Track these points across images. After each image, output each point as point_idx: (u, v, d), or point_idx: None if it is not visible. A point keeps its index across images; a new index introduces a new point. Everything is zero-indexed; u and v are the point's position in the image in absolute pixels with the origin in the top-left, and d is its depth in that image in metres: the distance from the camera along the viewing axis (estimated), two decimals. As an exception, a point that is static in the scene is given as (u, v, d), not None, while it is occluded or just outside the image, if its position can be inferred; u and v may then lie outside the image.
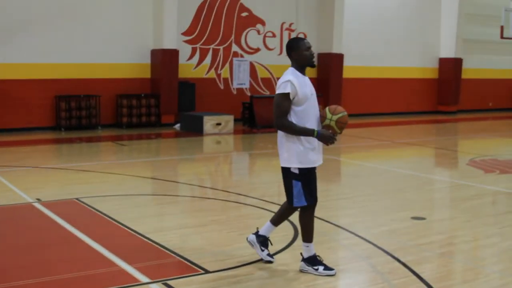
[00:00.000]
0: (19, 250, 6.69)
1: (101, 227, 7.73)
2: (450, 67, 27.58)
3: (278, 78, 22.69)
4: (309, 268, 5.96)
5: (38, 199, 9.09)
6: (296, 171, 5.89)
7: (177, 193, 10.34)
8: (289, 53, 5.95)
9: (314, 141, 5.87)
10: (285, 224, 7.76)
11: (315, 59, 6.02)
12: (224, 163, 14.52)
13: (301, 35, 23.64)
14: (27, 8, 18.03)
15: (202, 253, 6.58)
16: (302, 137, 5.81)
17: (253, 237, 6.33)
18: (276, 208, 8.61)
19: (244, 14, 22.31)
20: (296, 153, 5.86)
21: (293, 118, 5.80)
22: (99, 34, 19.20)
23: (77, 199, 9.13)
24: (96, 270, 5.99)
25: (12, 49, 17.96)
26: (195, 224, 7.99)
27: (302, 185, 5.87)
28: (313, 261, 6.00)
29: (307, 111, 5.84)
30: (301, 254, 6.10)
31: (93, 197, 9.27)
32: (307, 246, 6.04)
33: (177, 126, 19.77)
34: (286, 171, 5.97)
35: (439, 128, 23.15)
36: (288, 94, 5.72)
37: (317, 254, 6.10)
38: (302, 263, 6.03)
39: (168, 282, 5.65)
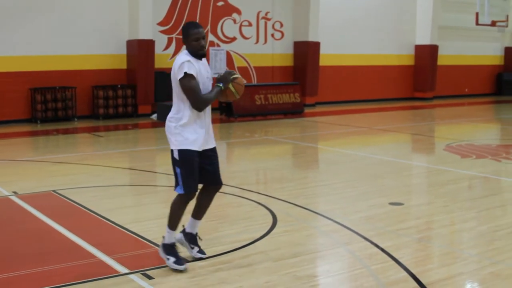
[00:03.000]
0: (-4, 243, 6.64)
1: (79, 219, 7.68)
2: (426, 54, 27.71)
3: (255, 67, 22.89)
4: (163, 255, 5.79)
5: (15, 192, 9.02)
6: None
7: (155, 183, 10.32)
8: (182, 38, 5.76)
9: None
10: (263, 211, 7.79)
11: (205, 50, 5.68)
12: (202, 153, 14.46)
13: (277, 24, 23.64)
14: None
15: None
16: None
17: (180, 236, 6.12)
18: (255, 196, 8.63)
19: (220, 3, 22.24)
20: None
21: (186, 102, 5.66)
22: (74, 26, 19.03)
23: (54, 191, 9.07)
24: (75, 262, 5.95)
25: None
26: (173, 213, 7.96)
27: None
28: (168, 249, 5.81)
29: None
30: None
31: (70, 189, 9.21)
32: (168, 232, 5.84)
33: (154, 116, 19.70)
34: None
35: (416, 114, 23.26)
36: (191, 74, 5.53)
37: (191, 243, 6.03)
38: (160, 249, 5.86)
39: (147, 272, 5.65)
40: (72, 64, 19.07)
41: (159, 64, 20.46)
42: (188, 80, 5.51)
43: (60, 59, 18.87)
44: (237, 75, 5.81)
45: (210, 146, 5.85)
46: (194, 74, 5.54)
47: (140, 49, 19.64)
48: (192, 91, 5.53)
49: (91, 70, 19.46)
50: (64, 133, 16.61)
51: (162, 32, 20.92)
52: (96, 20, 19.44)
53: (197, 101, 5.57)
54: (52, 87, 18.52)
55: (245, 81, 5.84)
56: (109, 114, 19.42)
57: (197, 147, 5.68)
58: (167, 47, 21.08)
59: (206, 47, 5.66)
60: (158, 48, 20.55)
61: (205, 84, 5.68)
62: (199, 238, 6.15)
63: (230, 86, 5.74)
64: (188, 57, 5.58)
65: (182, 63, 5.53)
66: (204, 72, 5.67)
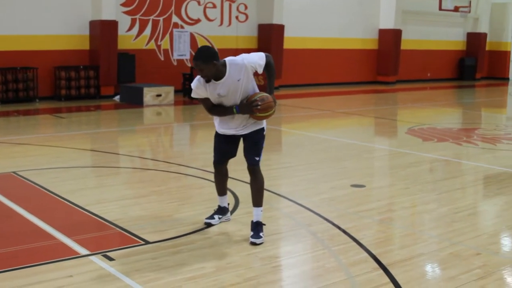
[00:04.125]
0: (-46, 224, 6.54)
1: (39, 200, 7.60)
2: (390, 38, 27.85)
3: (219, 49, 22.70)
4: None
5: (-26, 173, 8.90)
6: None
7: (118, 164, 10.24)
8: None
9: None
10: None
11: (209, 77, 5.83)
12: (165, 134, 14.43)
13: (242, 7, 23.56)
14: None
15: (142, 224, 6.54)
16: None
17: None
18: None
19: (184, -16, 22.09)
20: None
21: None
22: (36, 5, 18.70)
23: (14, 172, 8.94)
24: (35, 244, 5.89)
25: None
26: (135, 195, 7.92)
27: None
28: (220, 211, 6.65)
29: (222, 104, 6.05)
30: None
31: (31, 170, 9.09)
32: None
33: (117, 97, 19.53)
34: None
35: (379, 98, 23.41)
36: (199, 99, 6.10)
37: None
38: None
39: (108, 253, 5.60)
40: (34, 44, 18.77)
41: (122, 45, 20.26)
42: (200, 101, 6.17)
43: (22, 39, 18.56)
44: (259, 104, 5.86)
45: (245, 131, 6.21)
46: (196, 96, 6.10)
47: (103, 30, 19.41)
48: (204, 105, 6.16)
49: (53, 50, 19.18)
50: (25, 114, 16.39)
51: (126, 13, 20.70)
52: (59, 0, 19.14)
53: (208, 113, 6.21)
54: (13, 67, 18.23)
55: (270, 99, 5.96)
56: (71, 95, 19.18)
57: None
58: (130, 28, 20.88)
59: (211, 75, 5.81)
60: (122, 29, 20.35)
61: (221, 99, 5.99)
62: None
63: (258, 114, 5.96)
64: (193, 85, 6.03)
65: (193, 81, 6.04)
66: (215, 91, 5.92)
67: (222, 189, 6.62)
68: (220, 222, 6.58)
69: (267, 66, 5.96)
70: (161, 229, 6.35)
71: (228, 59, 5.87)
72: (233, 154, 6.40)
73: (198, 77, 5.93)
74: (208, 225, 6.44)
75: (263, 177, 6.27)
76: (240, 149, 6.29)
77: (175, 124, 16.22)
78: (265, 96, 5.92)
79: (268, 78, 6.12)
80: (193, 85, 6.00)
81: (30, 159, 10.13)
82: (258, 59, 5.89)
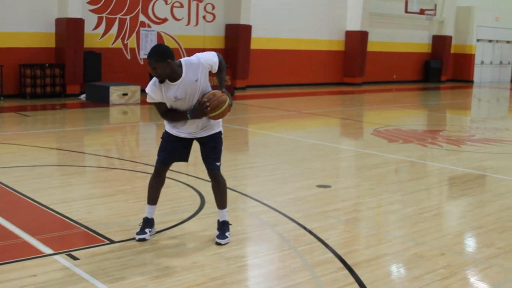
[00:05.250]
0: None
1: (3, 199, 7.51)
2: (356, 40, 28.02)
3: (186, 49, 22.71)
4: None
5: None
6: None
7: (83, 163, 10.16)
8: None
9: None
10: (192, 193, 7.78)
11: (162, 77, 5.62)
12: (131, 134, 14.36)
13: (209, 7, 23.52)
14: None
15: (107, 224, 6.50)
16: None
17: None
18: (183, 178, 8.59)
19: (151, -17, 21.99)
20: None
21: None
22: (1, 2, 18.49)
23: (-23, 170, 8.84)
24: (-3, 242, 5.83)
25: None
26: (101, 194, 7.87)
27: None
28: (148, 223, 6.13)
29: (178, 108, 5.85)
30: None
31: (-6, 169, 9.00)
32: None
33: (83, 96, 19.37)
34: None
35: (345, 99, 23.53)
36: (153, 103, 5.87)
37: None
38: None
39: (72, 253, 5.55)
40: (-2, 42, 18.57)
41: (88, 43, 20.10)
42: (155, 105, 5.92)
43: (-14, 36, 18.36)
44: (207, 104, 5.66)
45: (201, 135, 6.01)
46: (150, 101, 5.84)
47: (69, 28, 19.25)
48: (157, 110, 5.93)
49: (19, 48, 18.97)
50: (-12, 112, 16.20)
51: (92, 11, 20.54)
52: (23, -3, 18.95)
53: (162, 117, 5.96)
54: (-23, 64, 18.01)
55: (218, 95, 5.73)
56: (36, 93, 18.98)
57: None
58: (97, 27, 20.73)
59: (165, 74, 5.60)
60: (88, 27, 20.19)
61: (177, 102, 5.77)
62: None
63: (211, 115, 5.75)
64: (149, 88, 5.78)
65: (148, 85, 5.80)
66: (170, 93, 5.70)
67: (155, 197, 6.23)
68: (185, 223, 6.56)
69: (219, 63, 5.84)
70: (127, 229, 6.31)
71: (183, 60, 5.73)
72: (183, 158, 6.15)
73: (152, 80, 5.74)
74: (142, 240, 5.96)
75: (224, 179, 6.15)
76: (197, 154, 6.22)
77: (141, 123, 16.14)
78: (211, 94, 5.72)
79: (219, 74, 5.89)
80: (147, 89, 5.76)
81: (-7, 158, 10.01)
82: (212, 57, 5.77)
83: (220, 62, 5.84)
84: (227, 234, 5.98)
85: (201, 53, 5.83)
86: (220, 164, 6.08)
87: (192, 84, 5.68)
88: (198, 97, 5.75)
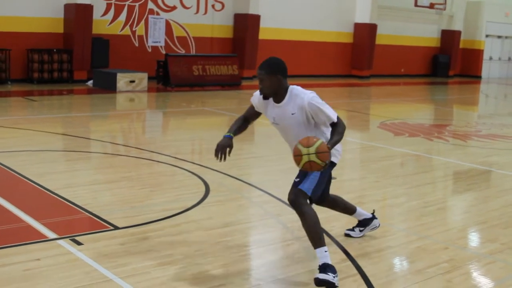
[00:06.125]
0: None
1: (8, 183, 7.53)
2: (365, 33, 27.91)
3: (194, 38, 22.68)
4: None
5: None
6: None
7: (89, 149, 10.17)
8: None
9: None
10: (196, 181, 7.78)
11: (265, 92, 5.25)
12: (137, 121, 14.36)
13: (218, -5, 23.48)
14: None
15: (112, 209, 6.51)
16: None
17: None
18: (188, 166, 8.59)
19: (161, -29, 21.94)
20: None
21: None
22: (10, -14, 18.52)
23: (-17, 153, 8.86)
24: (2, 226, 5.84)
25: None
26: (106, 180, 7.88)
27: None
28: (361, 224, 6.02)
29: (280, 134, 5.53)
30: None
31: (1, 152, 9.00)
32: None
33: (90, 82, 19.37)
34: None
35: (352, 92, 23.49)
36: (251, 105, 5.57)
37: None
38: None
39: (76, 238, 5.56)
40: (7, 26, 18.54)
41: (97, 29, 20.08)
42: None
43: (-6, 20, 18.37)
44: (319, 142, 4.80)
45: None
46: (251, 101, 5.55)
47: (78, 14, 19.23)
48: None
49: (27, 32, 18.96)
50: (-4, 96, 16.22)
51: (101, -3, 20.54)
52: (33, -18, 18.94)
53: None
54: (-15, 48, 18.03)
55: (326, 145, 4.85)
56: (44, 78, 18.98)
57: None
58: (105, 13, 20.70)
59: (269, 92, 5.22)
60: (97, 14, 20.16)
61: (277, 127, 5.46)
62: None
63: (314, 158, 4.76)
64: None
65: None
66: (270, 113, 5.35)
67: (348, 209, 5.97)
68: (189, 211, 6.57)
69: (334, 126, 5.12)
70: (131, 215, 6.31)
71: (293, 86, 5.20)
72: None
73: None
74: (347, 236, 5.96)
75: (310, 211, 5.04)
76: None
77: (147, 110, 16.13)
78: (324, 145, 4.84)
79: (331, 133, 5.13)
80: (256, 92, 5.41)
81: (0, 141, 10.02)
82: (327, 113, 5.08)
83: (335, 125, 5.11)
84: (329, 273, 4.75)
85: (320, 100, 5.15)
86: (304, 189, 5.07)
87: (289, 116, 5.16)
88: (301, 133, 5.12)
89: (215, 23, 23.64)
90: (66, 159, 9.35)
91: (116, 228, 5.90)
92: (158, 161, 9.06)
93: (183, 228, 6.02)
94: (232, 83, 21.08)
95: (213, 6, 23.53)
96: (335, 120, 5.09)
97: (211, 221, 6.24)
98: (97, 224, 6.06)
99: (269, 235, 6.04)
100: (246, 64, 23.59)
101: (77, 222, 6.17)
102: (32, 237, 5.58)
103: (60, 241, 5.47)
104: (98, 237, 5.63)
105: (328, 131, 5.21)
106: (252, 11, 23.72)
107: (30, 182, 7.47)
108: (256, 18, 23.90)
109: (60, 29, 19.67)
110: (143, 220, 6.16)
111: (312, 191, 5.05)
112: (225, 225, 6.16)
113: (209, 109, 15.64)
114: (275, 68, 5.16)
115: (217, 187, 7.57)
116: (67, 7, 19.49)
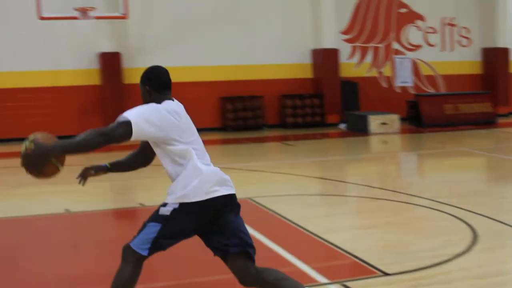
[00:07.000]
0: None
1: (276, 227, 7.81)
2: None
3: (442, 75, 22.28)
4: None
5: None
6: None
7: (346, 193, 10.32)
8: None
9: None
10: (461, 226, 7.53)
11: None
12: (393, 163, 14.32)
13: (463, 30, 22.94)
14: (194, 12, 18.68)
15: (377, 255, 6.50)
16: None
17: None
18: (450, 210, 8.36)
19: (402, 10, 21.99)
20: None
21: None
22: (261, 37, 19.57)
23: (249, 198, 9.28)
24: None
25: (181, 53, 18.71)
26: (367, 224, 7.93)
27: None
28: None
29: None
30: None
31: (265, 197, 9.40)
32: None
33: (342, 125, 19.72)
34: None
35: None
36: None
37: None
38: None
39: (346, 283, 5.62)
40: (259, 74, 19.56)
41: (344, 73, 20.53)
42: None
43: (248, 69, 19.45)
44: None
45: None
46: None
47: (325, 58, 19.84)
48: None
49: (278, 79, 19.89)
50: (254, 141, 17.04)
51: (346, 40, 21.00)
52: (279, 31, 19.91)
53: None
54: (241, 96, 19.09)
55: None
56: (297, 123, 19.70)
57: None
58: (351, 56, 21.10)
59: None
60: (343, 57, 20.62)
61: None
62: None
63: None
64: None
65: None
66: None
67: None
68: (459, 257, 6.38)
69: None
70: (398, 261, 6.26)
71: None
72: None
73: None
74: None
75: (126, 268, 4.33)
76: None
77: (402, 152, 16.07)
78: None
79: None
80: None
81: (263, 186, 10.50)
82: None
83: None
84: None
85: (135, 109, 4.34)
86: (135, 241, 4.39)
87: None
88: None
89: (463, 59, 23.12)
90: (325, 202, 9.56)
91: (385, 274, 5.87)
92: (418, 205, 8.95)
93: (454, 276, 5.84)
94: (486, 121, 20.32)
95: (458, 42, 23.03)
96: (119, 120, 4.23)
97: (483, 269, 6.00)
98: (365, 269, 6.07)
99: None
100: (499, 100, 22.62)
101: (345, 267, 6.26)
102: (303, 280, 5.71)
103: (331, 286, 5.55)
104: (368, 283, 5.66)
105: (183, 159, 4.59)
106: (500, 44, 22.86)
107: (296, 226, 7.70)
108: (504, 52, 22.99)
109: (309, 74, 20.38)
110: (412, 267, 6.05)
111: None
112: (498, 273, 5.93)
113: (464, 149, 15.15)
114: (144, 76, 4.50)
115: (485, 232, 7.27)
116: (314, 52, 20.17)
